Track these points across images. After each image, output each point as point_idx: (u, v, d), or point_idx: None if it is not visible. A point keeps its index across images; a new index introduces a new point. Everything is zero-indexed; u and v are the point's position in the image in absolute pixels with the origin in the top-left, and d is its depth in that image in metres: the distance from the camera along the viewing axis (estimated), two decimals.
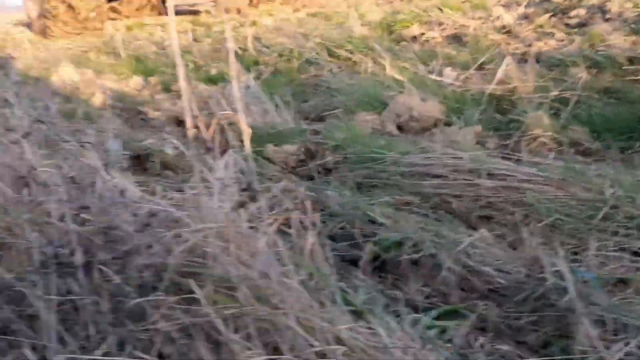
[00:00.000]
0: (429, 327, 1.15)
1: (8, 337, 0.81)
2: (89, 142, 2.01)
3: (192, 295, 0.86)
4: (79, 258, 0.88)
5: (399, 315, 1.15)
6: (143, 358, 0.76)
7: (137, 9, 8.49)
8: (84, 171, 1.26)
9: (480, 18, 4.07)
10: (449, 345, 1.04)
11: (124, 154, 2.41)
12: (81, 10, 7.65)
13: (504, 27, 3.73)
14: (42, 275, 0.86)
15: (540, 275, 1.13)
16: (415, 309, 1.25)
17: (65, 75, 4.14)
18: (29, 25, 8.88)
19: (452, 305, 1.27)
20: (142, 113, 3.06)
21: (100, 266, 0.88)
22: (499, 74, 2.44)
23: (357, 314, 1.07)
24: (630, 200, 1.36)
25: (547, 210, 1.40)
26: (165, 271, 0.89)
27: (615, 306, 1.04)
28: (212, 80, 3.65)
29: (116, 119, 3.02)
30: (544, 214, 1.40)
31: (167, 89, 3.58)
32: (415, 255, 1.40)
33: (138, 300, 0.82)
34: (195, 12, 8.72)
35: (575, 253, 1.27)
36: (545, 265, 1.12)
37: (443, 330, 1.16)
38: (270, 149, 2.16)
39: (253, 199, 1.12)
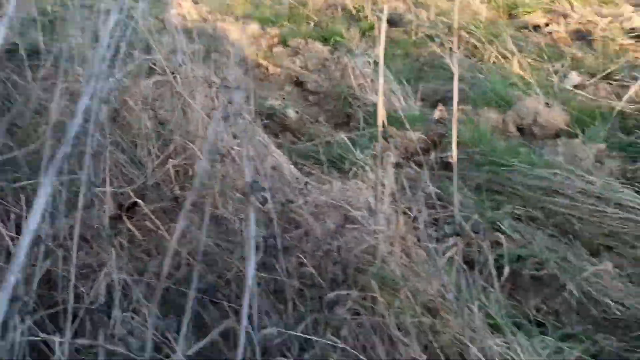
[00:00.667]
0: (546, 348, 1.24)
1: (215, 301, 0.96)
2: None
3: (371, 294, 0.98)
4: (279, 243, 1.01)
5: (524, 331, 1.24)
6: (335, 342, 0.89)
7: None
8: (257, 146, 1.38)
9: (608, 16, 3.91)
10: None
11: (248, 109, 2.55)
12: None
13: (633, 29, 3.59)
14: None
15: None
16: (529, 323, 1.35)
17: (181, 10, 4.29)
18: None
19: (571, 329, 1.35)
20: (261, 66, 3.17)
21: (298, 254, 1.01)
22: (633, 89, 2.40)
23: (494, 327, 1.18)
24: None
25: None
26: (348, 267, 1.01)
27: None
28: (325, 39, 3.71)
29: (237, 67, 3.15)
30: None
31: (285, 41, 3.67)
32: (538, 273, 1.48)
33: (335, 293, 0.94)
34: None
35: None
36: None
37: (558, 351, 1.26)
38: (392, 131, 2.23)
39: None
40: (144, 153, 1.31)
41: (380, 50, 1.74)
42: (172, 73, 1.35)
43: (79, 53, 1.61)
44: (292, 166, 1.49)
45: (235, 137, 1.44)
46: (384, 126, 1.57)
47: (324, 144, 2.14)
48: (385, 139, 1.86)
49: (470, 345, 1.00)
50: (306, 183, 1.29)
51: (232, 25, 3.85)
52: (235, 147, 1.30)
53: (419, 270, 1.06)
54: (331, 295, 0.96)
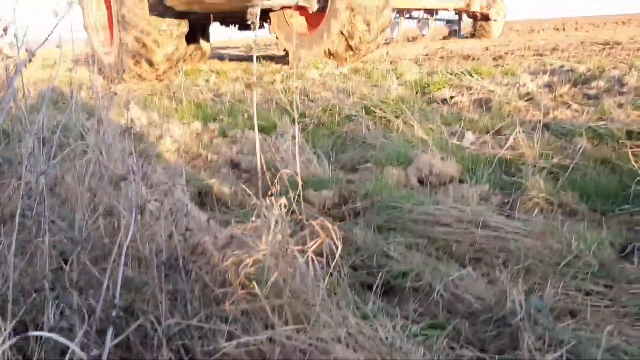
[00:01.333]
0: (416, 335, 1.53)
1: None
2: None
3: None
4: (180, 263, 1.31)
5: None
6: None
7: (190, 55, 9.36)
8: (176, 205, 1.70)
9: (507, 84, 4.48)
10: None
11: (188, 190, 2.89)
12: (160, 65, 7.99)
13: (527, 94, 4.12)
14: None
15: (505, 303, 1.50)
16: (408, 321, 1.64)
17: (134, 117, 4.72)
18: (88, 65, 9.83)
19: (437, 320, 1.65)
20: (202, 156, 3.54)
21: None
22: (510, 140, 2.83)
23: (365, 318, 1.47)
24: (589, 253, 1.72)
25: (524, 257, 1.78)
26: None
27: (558, 328, 1.41)
28: (263, 129, 4.14)
29: (180, 159, 3.52)
30: (521, 259, 1.77)
31: (224, 133, 4.08)
32: (417, 284, 1.79)
33: (222, 290, 1.24)
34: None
35: (539, 290, 1.64)
36: (509, 295, 1.50)
37: (427, 338, 1.55)
38: (311, 193, 2.58)
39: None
40: (79, 216, 1.62)
41: (296, 130, 2.13)
42: (101, 152, 1.69)
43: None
44: (205, 215, 1.80)
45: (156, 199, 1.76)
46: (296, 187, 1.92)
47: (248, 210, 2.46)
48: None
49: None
50: (209, 219, 1.60)
51: (176, 126, 4.27)
52: (153, 203, 1.62)
53: (298, 278, 1.36)
54: (218, 292, 1.26)
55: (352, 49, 7.99)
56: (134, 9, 7.46)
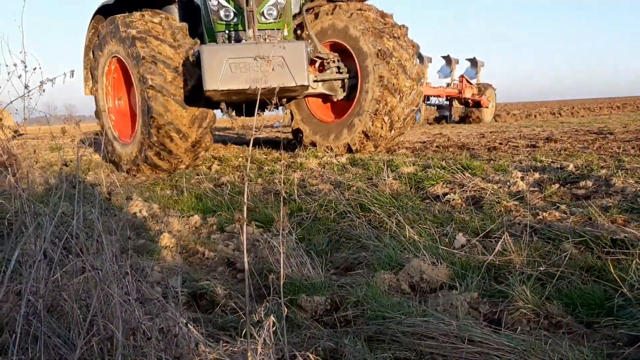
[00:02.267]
0: None
1: None
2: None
3: None
4: None
5: None
6: None
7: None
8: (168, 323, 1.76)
9: (498, 182, 4.61)
10: None
11: (182, 291, 2.94)
12: (184, 158, 7.29)
13: (518, 192, 4.24)
14: None
15: None
16: None
17: (135, 209, 4.84)
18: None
19: None
20: (199, 253, 3.62)
21: None
22: (499, 246, 2.91)
23: None
24: None
25: None
26: None
27: None
28: (261, 222, 4.24)
29: (177, 256, 3.60)
30: None
31: (222, 228, 4.18)
32: None
33: None
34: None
35: None
36: None
37: None
38: (302, 298, 2.64)
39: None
40: (74, 334, 1.68)
41: (280, 236, 2.22)
42: (97, 269, 1.77)
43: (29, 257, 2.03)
44: (199, 335, 1.85)
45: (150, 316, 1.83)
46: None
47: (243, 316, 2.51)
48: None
49: None
50: (197, 343, 1.66)
51: (176, 219, 4.37)
52: (146, 323, 1.68)
53: None
54: None
55: (375, 144, 7.85)
56: (161, 99, 6.75)
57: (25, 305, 1.72)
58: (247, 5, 7.06)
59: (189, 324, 1.77)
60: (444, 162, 5.76)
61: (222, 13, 7.33)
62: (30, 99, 2.49)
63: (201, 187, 5.52)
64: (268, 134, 14.79)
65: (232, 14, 7.33)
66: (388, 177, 4.91)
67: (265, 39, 7.07)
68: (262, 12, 7.32)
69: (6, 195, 4.44)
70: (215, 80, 6.43)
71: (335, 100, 8.30)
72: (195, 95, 6.94)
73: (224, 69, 6.41)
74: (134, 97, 7.56)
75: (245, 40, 7.15)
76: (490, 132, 11.85)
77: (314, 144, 8.47)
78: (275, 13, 7.42)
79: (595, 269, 2.71)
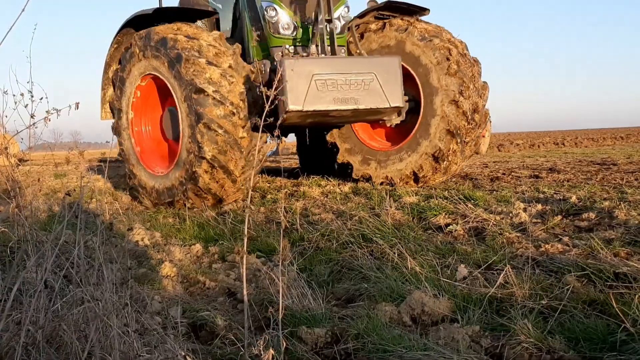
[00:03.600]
0: None
1: None
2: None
3: None
4: None
5: None
6: None
7: None
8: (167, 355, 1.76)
9: (501, 213, 4.61)
10: None
11: (182, 322, 2.93)
12: (228, 198, 6.22)
13: (520, 224, 4.23)
14: None
15: None
16: None
17: (137, 237, 4.84)
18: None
19: None
20: (200, 282, 3.61)
21: None
22: (500, 278, 2.90)
23: None
24: None
25: None
26: None
27: None
28: (263, 252, 4.23)
29: (178, 286, 3.59)
30: None
31: (223, 258, 4.17)
32: None
33: None
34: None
35: None
36: None
37: None
38: (303, 330, 2.62)
39: None
40: None
41: (280, 266, 2.21)
42: (97, 300, 1.77)
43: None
44: None
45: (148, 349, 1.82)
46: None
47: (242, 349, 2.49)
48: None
49: None
50: None
51: (177, 248, 4.37)
52: (144, 355, 1.67)
53: None
54: None
55: (442, 169, 6.95)
56: (216, 139, 5.69)
57: (25, 335, 1.72)
58: (323, 15, 6.09)
59: (187, 356, 1.76)
60: (446, 192, 5.76)
61: (281, 26, 6.36)
62: (36, 127, 2.53)
63: (203, 215, 5.53)
64: (270, 163, 14.85)
65: (292, 27, 6.39)
66: (390, 206, 4.91)
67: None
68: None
69: (9, 223, 4.46)
70: (299, 100, 5.36)
71: (389, 125, 7.02)
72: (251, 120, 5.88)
73: (309, 87, 5.38)
74: (168, 123, 6.59)
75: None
76: (494, 162, 11.88)
77: (367, 177, 7.39)
78: (340, 27, 6.49)
79: (597, 302, 2.69)
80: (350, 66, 5.62)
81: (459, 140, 6.72)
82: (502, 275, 2.93)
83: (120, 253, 4.23)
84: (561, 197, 5.17)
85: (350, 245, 3.97)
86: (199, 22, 7.09)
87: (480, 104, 6.91)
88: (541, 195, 5.45)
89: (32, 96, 2.59)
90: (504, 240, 3.84)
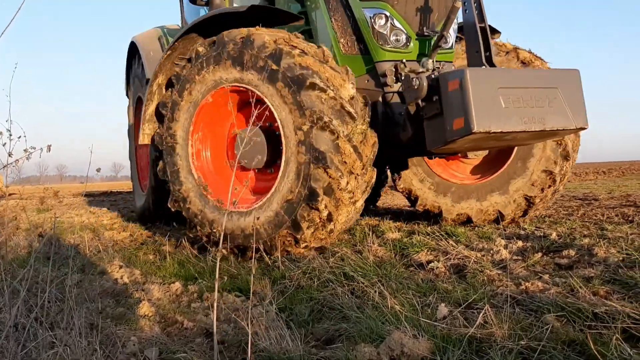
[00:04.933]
0: None
1: None
2: None
3: None
4: None
5: None
6: None
7: None
8: None
9: (482, 250, 4.62)
10: None
11: None
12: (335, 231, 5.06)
13: (501, 261, 4.24)
14: None
15: None
16: None
17: (116, 275, 4.77)
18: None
19: None
20: (178, 322, 3.55)
21: None
22: (480, 318, 2.88)
23: None
24: None
25: None
26: None
27: None
28: (242, 291, 4.18)
29: (156, 326, 3.52)
30: None
31: (202, 297, 4.11)
32: None
33: None
34: None
35: None
36: None
37: None
38: None
39: None
40: None
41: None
42: (67, 346, 1.73)
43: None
44: None
45: None
46: None
47: None
48: None
49: None
50: None
51: (156, 286, 4.31)
52: None
53: None
54: None
55: (532, 210, 6.31)
56: (333, 188, 4.65)
57: None
58: (441, 26, 5.39)
59: None
60: (429, 228, 5.77)
61: (393, 37, 5.45)
62: (14, 166, 2.51)
63: (184, 252, 5.47)
64: None
65: (404, 39, 5.48)
66: (373, 243, 4.90)
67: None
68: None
69: None
70: (487, 119, 4.44)
71: (471, 158, 6.30)
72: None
73: (496, 103, 4.50)
74: (251, 149, 5.25)
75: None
76: None
77: (436, 213, 6.67)
78: (452, 40, 5.73)
79: (577, 343, 2.67)
80: (531, 79, 4.78)
81: (557, 180, 6.13)
82: (481, 314, 2.91)
83: (94, 293, 4.18)
84: (542, 234, 5.20)
85: (332, 283, 3.94)
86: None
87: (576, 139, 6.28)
88: (522, 232, 5.47)
89: (10, 135, 2.58)
90: (485, 278, 3.84)
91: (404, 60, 5.45)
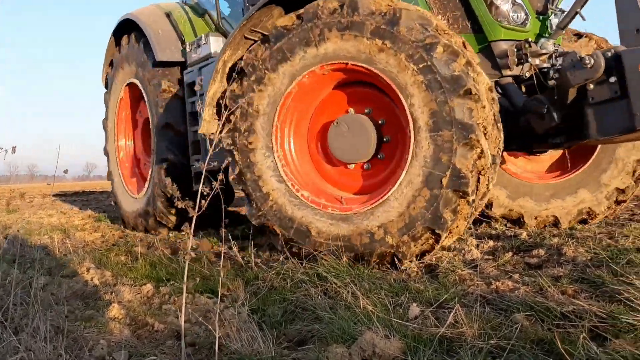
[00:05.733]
0: None
1: None
2: None
3: None
4: None
5: None
6: None
7: None
8: None
9: (454, 249, 4.66)
10: None
11: None
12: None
13: (472, 261, 4.28)
14: None
15: None
16: None
17: (87, 276, 4.70)
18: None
19: None
20: (148, 325, 3.50)
21: None
22: (450, 318, 2.91)
23: None
24: None
25: None
26: None
27: None
28: (215, 292, 4.15)
29: (126, 328, 3.47)
30: None
31: (175, 299, 4.07)
32: None
33: None
34: None
35: None
36: None
37: None
38: None
39: None
40: None
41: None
42: (31, 351, 1.70)
43: None
44: None
45: None
46: None
47: None
48: None
49: None
50: None
51: (127, 288, 4.25)
52: None
53: None
54: None
55: (619, 207, 5.84)
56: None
57: None
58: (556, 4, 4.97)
59: None
60: None
61: (513, 14, 4.87)
62: None
63: (156, 253, 5.41)
64: None
65: (522, 16, 4.93)
66: None
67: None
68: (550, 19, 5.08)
69: None
70: None
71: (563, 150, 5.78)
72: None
73: None
74: (349, 137, 4.50)
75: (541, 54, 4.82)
76: None
77: (514, 218, 5.91)
78: (562, 21, 5.10)
79: (545, 342, 2.71)
80: None
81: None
82: (452, 314, 2.94)
83: (62, 295, 4.11)
84: (512, 234, 5.27)
85: (305, 284, 3.93)
86: None
87: None
88: (493, 232, 5.54)
89: None
90: (456, 277, 3.87)
91: (530, 40, 4.79)
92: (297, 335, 3.17)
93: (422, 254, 4.29)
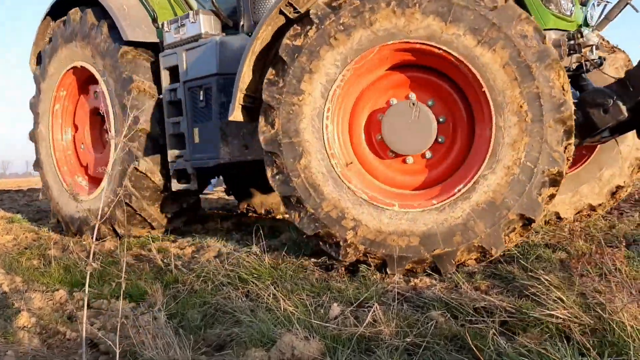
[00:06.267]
0: None
1: None
2: None
3: None
4: None
5: None
6: None
7: None
8: None
9: None
10: None
11: None
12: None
13: None
14: None
15: None
16: None
17: None
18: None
19: None
20: (60, 333, 3.35)
21: None
22: (369, 317, 2.95)
23: None
24: None
25: None
26: None
27: None
28: (133, 296, 4.03)
29: (36, 337, 3.30)
30: None
31: (89, 304, 3.91)
32: None
33: None
34: None
35: None
36: None
37: None
38: None
39: None
40: None
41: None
42: None
43: None
44: None
45: None
46: None
47: None
48: None
49: None
50: None
51: (39, 294, 4.05)
52: None
53: None
54: None
55: (610, 205, 5.78)
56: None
57: None
58: None
59: None
60: None
61: (563, 2, 4.57)
62: None
63: (71, 257, 5.18)
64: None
65: (570, 5, 4.62)
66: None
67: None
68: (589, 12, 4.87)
69: None
70: None
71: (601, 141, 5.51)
72: None
73: None
74: (408, 126, 4.12)
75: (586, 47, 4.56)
76: None
77: (553, 216, 5.67)
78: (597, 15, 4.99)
79: (458, 338, 2.80)
80: None
81: None
82: (370, 313, 2.98)
83: None
84: None
85: (226, 287, 3.88)
86: None
87: None
88: None
89: None
90: (377, 276, 3.93)
91: (583, 30, 4.52)
92: (217, 340, 3.12)
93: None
